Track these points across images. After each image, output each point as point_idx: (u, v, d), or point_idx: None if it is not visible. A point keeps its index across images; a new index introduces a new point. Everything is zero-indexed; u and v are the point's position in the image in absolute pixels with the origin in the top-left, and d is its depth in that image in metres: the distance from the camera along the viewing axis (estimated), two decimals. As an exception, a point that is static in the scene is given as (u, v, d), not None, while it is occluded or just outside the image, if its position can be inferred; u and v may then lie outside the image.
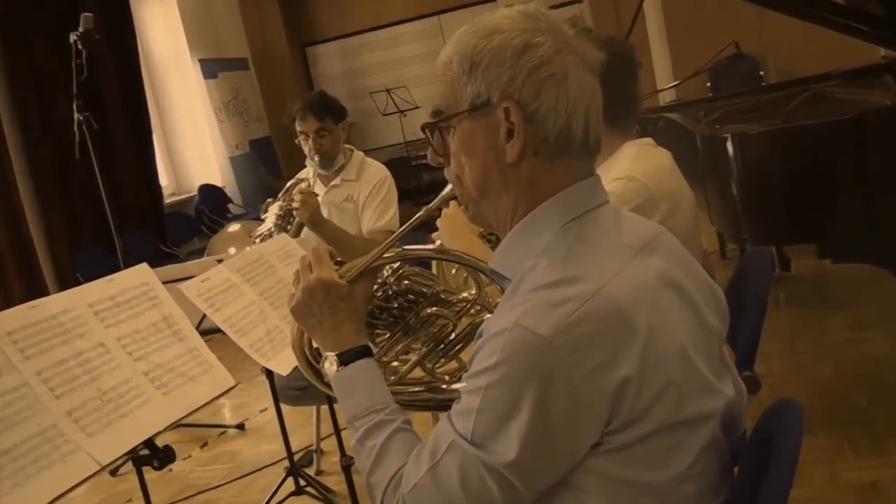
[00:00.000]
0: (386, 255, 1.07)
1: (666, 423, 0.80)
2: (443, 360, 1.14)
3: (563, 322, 0.76)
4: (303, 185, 2.62)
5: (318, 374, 1.09)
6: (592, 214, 0.87)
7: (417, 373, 1.14)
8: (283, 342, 1.81)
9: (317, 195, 2.54)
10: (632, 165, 1.59)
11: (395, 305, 1.14)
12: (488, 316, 1.07)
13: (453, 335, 1.15)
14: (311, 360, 1.10)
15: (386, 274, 1.14)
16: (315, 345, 1.09)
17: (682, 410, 0.82)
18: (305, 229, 2.58)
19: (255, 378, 3.36)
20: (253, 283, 1.89)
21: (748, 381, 1.07)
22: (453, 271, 1.31)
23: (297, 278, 1.06)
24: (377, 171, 2.69)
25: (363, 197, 2.64)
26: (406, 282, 1.15)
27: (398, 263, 1.14)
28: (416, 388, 1.11)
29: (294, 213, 2.47)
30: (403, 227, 1.09)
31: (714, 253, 4.11)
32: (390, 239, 1.08)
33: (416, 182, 6.61)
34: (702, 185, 2.76)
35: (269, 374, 2.28)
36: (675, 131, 3.23)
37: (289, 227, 2.49)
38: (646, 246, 0.88)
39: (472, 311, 1.15)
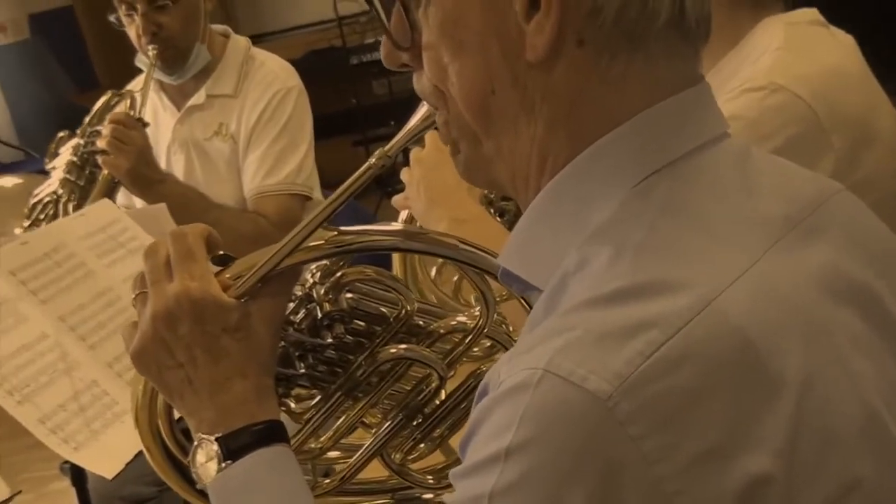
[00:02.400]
0: (308, 243, 1.07)
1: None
2: (422, 445, 1.14)
3: (638, 368, 0.76)
4: (120, 106, 2.54)
5: (185, 475, 1.10)
6: (696, 161, 0.87)
7: (375, 470, 1.12)
8: (110, 415, 1.76)
9: (146, 125, 2.47)
10: (777, 62, 1.58)
11: (331, 341, 1.14)
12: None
13: (442, 396, 1.15)
14: (171, 446, 1.10)
15: (311, 281, 1.14)
16: (177, 417, 1.09)
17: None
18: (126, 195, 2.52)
19: (49, 484, 3.41)
20: (45, 299, 1.86)
21: None
22: (433, 271, 1.27)
23: (141, 291, 1.07)
24: (275, 78, 2.66)
25: (247, 127, 2.60)
26: (350, 296, 1.15)
27: (331, 261, 1.13)
28: (374, 500, 1.10)
29: (99, 162, 2.42)
30: (339, 190, 1.08)
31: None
32: (316, 213, 1.07)
33: (358, 97, 6.35)
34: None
35: (79, 475, 2.22)
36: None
37: (91, 186, 2.44)
38: (802, 221, 0.89)
39: (474, 348, 1.16)
